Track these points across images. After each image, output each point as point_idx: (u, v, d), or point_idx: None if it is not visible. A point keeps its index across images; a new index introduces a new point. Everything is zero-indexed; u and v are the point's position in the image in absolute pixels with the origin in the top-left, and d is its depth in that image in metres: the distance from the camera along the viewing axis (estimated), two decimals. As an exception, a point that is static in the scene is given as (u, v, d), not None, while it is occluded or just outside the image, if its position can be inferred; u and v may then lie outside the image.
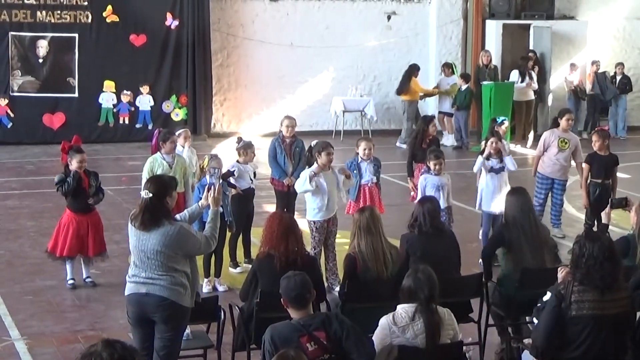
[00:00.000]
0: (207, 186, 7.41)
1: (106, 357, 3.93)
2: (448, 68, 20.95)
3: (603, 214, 8.02)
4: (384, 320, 6.13)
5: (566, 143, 12.19)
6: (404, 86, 20.30)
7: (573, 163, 12.24)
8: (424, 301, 6.06)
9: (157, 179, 7.21)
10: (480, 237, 11.75)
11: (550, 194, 12.29)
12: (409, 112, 20.31)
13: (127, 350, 4.00)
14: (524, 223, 8.08)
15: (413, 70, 20.42)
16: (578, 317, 5.98)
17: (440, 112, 20.65)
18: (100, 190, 10.29)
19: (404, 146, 19.46)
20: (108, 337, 4.06)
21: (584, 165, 11.71)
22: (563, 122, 12.25)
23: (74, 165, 10.00)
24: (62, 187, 10.01)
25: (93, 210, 10.29)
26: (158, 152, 10.82)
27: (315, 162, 10.06)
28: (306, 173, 10.03)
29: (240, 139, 11.07)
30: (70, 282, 10.23)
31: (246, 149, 10.76)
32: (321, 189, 9.96)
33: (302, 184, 10.00)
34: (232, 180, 10.26)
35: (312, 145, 10.38)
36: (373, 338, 6.10)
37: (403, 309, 6.12)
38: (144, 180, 10.38)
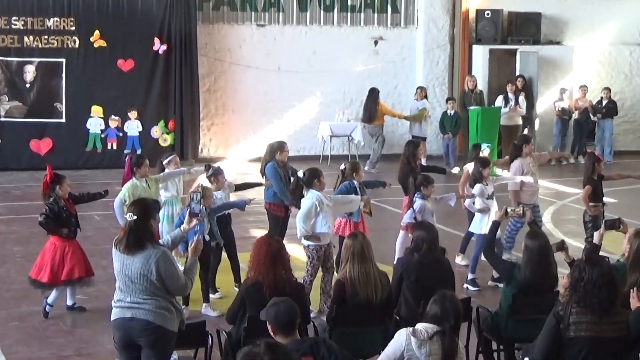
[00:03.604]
0: (188, 211, 7.39)
1: None
2: (422, 91, 20.91)
3: (596, 234, 8.04)
4: (404, 331, 6.07)
5: (536, 167, 12.32)
6: (374, 112, 20.29)
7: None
8: (448, 329, 6.02)
9: (140, 202, 7.17)
10: (460, 262, 11.81)
11: None
12: (379, 135, 20.34)
13: (288, 356, 3.89)
14: (540, 267, 7.85)
15: (377, 94, 20.44)
16: (576, 339, 5.98)
17: (413, 137, 20.56)
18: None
19: (374, 170, 19.35)
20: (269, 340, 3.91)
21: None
22: (526, 150, 12.24)
23: (65, 189, 9.94)
24: (49, 222, 9.93)
25: (75, 237, 10.20)
26: (133, 178, 10.62)
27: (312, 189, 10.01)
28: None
29: (209, 166, 11.07)
30: (48, 308, 10.02)
31: (216, 175, 10.77)
32: (326, 216, 9.90)
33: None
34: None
35: (304, 172, 10.25)
36: (387, 346, 6.08)
37: (424, 327, 6.06)
38: (117, 207, 10.32)
